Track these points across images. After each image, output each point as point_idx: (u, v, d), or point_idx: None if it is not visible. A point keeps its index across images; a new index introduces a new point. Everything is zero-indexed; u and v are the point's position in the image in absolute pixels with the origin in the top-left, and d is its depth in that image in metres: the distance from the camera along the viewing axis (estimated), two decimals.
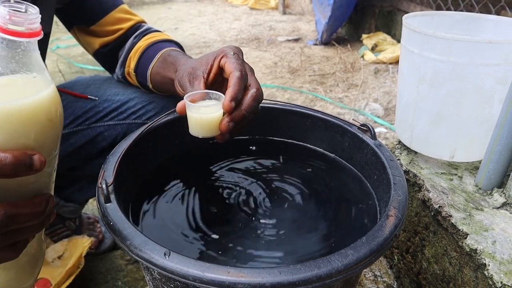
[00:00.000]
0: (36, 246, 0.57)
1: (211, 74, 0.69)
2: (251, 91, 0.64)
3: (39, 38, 0.44)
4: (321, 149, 0.85)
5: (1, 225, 0.43)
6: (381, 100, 2.25)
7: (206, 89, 0.67)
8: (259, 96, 0.65)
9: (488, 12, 2.09)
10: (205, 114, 0.63)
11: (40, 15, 0.44)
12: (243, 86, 0.64)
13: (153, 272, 0.57)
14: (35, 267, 0.58)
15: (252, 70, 0.68)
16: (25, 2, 0.42)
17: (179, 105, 0.66)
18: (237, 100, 0.62)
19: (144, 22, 1.02)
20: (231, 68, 0.64)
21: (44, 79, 0.46)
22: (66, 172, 1.06)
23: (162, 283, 0.56)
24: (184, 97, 0.64)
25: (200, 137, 0.65)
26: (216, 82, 0.70)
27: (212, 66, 0.69)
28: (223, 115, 0.63)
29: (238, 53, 0.68)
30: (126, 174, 0.68)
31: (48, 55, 3.15)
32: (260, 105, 0.86)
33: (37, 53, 0.45)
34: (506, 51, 0.76)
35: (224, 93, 0.63)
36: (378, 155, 0.70)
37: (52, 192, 0.51)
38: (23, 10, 0.42)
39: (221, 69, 0.68)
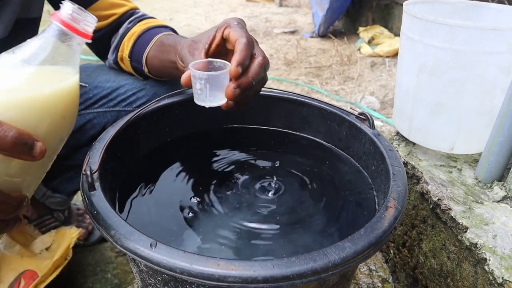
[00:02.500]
0: None
1: (213, 45, 0.67)
2: (258, 59, 0.63)
3: (86, 41, 0.49)
4: (318, 139, 0.82)
5: None
6: (377, 94, 2.22)
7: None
8: (265, 63, 0.64)
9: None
10: (210, 82, 0.61)
11: (95, 25, 0.50)
12: (250, 53, 0.62)
13: (139, 264, 0.54)
14: None
15: (256, 41, 0.66)
16: (86, 11, 0.48)
17: (184, 76, 0.64)
18: (244, 66, 0.60)
19: (138, 8, 0.99)
20: (236, 36, 0.63)
21: (75, 78, 0.51)
22: (54, 161, 1.03)
23: (149, 275, 0.53)
24: (189, 65, 0.62)
25: (207, 106, 0.62)
26: (219, 54, 0.68)
27: (214, 37, 0.67)
28: (230, 82, 0.61)
29: (242, 23, 0.67)
30: (113, 161, 0.65)
31: None
32: None
33: (79, 54, 0.50)
34: (510, 39, 0.74)
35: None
36: (377, 145, 0.68)
37: (29, 198, 0.48)
38: (84, 13, 0.48)
39: (224, 41, 0.67)
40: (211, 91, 0.61)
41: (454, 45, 0.77)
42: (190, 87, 0.63)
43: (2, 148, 0.39)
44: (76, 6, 0.46)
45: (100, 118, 0.98)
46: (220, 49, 0.68)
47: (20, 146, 0.40)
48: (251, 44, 0.63)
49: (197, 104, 0.63)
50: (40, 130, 0.45)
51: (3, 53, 0.47)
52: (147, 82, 0.97)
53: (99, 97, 0.98)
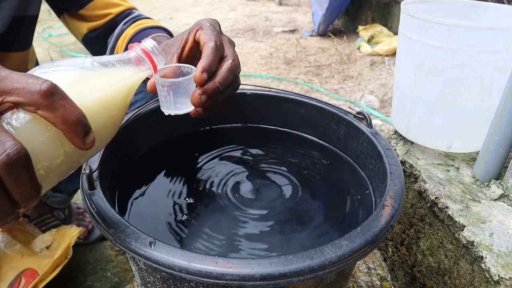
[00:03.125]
0: None
1: (186, 49, 0.64)
2: (227, 63, 0.59)
3: (148, 75, 0.54)
4: (316, 138, 0.82)
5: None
6: (376, 92, 2.23)
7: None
8: (235, 67, 0.60)
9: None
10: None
11: (163, 67, 0.58)
12: (218, 57, 0.59)
13: (138, 262, 0.54)
14: None
15: (231, 42, 0.64)
16: (162, 51, 0.54)
17: (149, 83, 0.61)
18: (211, 71, 0.57)
19: (135, 8, 0.99)
20: (205, 39, 0.60)
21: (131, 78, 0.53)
22: None
23: (148, 273, 0.54)
24: (153, 74, 0.58)
25: (172, 114, 0.60)
26: (194, 57, 0.65)
27: (187, 40, 0.64)
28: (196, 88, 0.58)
29: (214, 25, 0.63)
30: (113, 161, 0.65)
31: (40, 43, 3.11)
32: (253, 92, 0.84)
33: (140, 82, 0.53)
34: (508, 38, 0.74)
35: None
36: (374, 143, 0.68)
37: (43, 193, 0.46)
38: (160, 52, 0.54)
39: (197, 44, 0.63)
40: (176, 98, 0.58)
41: (451, 45, 0.78)
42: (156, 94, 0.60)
43: (65, 122, 0.38)
44: (156, 43, 0.53)
45: None
46: (195, 53, 0.65)
47: (81, 126, 0.39)
48: (220, 47, 0.59)
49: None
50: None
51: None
52: (145, 84, 0.97)
53: None
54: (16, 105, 0.39)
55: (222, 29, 0.66)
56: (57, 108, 0.38)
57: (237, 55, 0.62)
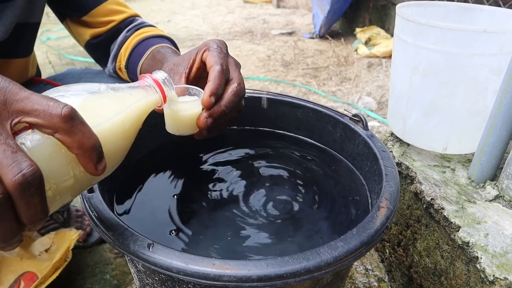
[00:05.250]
0: None
1: (193, 69, 0.65)
2: (232, 86, 0.60)
3: (158, 105, 0.55)
4: (312, 140, 0.83)
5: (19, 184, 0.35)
6: (374, 94, 2.24)
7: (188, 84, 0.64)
8: (240, 91, 0.61)
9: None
10: (182, 111, 0.59)
11: (172, 99, 0.57)
12: (224, 80, 0.60)
13: (137, 265, 0.55)
14: None
15: (237, 64, 0.65)
16: (172, 84, 0.56)
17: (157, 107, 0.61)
18: (217, 95, 0.58)
19: (138, 16, 0.99)
20: (211, 62, 0.60)
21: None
22: None
23: (147, 275, 0.54)
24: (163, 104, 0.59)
25: (177, 134, 0.61)
26: (201, 77, 0.66)
27: (194, 60, 0.64)
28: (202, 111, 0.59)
29: (222, 46, 0.64)
30: None
31: (38, 46, 3.12)
32: (251, 95, 0.85)
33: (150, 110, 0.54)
34: (502, 41, 0.75)
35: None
36: (370, 146, 0.69)
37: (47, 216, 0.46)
38: (171, 83, 0.56)
39: (204, 64, 0.64)
40: (182, 121, 0.60)
41: (446, 47, 0.78)
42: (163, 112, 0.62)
43: (82, 147, 0.39)
44: (167, 76, 0.55)
45: None
46: (202, 73, 0.65)
47: (95, 152, 0.40)
48: (225, 71, 0.60)
49: None
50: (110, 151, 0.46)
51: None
52: None
53: None
54: (31, 126, 0.39)
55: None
56: (75, 133, 0.38)
57: (242, 78, 0.63)
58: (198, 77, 0.66)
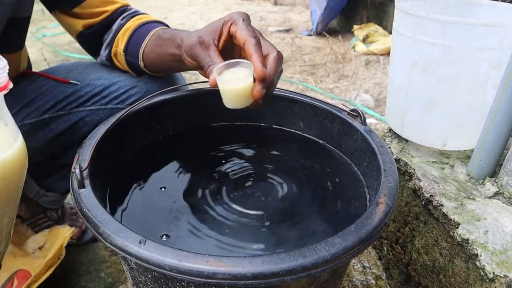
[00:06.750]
0: None
1: (221, 41, 0.68)
2: (272, 55, 0.64)
3: (5, 92, 0.45)
4: (310, 136, 0.82)
5: None
6: (371, 91, 2.23)
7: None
8: (280, 57, 0.65)
9: None
10: (236, 87, 0.62)
11: (7, 68, 0.45)
12: (262, 51, 0.63)
13: (130, 262, 0.54)
14: None
15: (261, 35, 0.67)
16: None
17: (211, 80, 0.64)
18: (264, 65, 0.62)
19: (129, 5, 0.99)
20: (245, 36, 0.63)
21: (13, 128, 0.48)
22: (46, 160, 1.03)
23: (139, 273, 0.53)
24: (214, 73, 0.63)
25: (238, 108, 0.65)
26: (226, 49, 0.69)
27: (221, 33, 0.67)
28: (254, 82, 0.63)
29: (248, 20, 0.67)
30: (104, 159, 0.65)
31: (34, 44, 3.09)
32: None
33: (3, 105, 0.46)
34: (502, 35, 0.74)
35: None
36: (368, 141, 0.68)
37: None
38: None
39: (231, 37, 0.67)
40: (237, 95, 0.63)
41: (445, 41, 0.77)
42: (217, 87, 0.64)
43: None
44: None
45: (92, 116, 0.98)
46: (227, 45, 0.69)
47: None
48: (260, 42, 0.64)
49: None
50: None
51: None
52: (139, 79, 0.97)
53: (91, 95, 0.97)
54: None
55: None
56: None
57: (274, 46, 0.66)
58: (224, 48, 0.69)
